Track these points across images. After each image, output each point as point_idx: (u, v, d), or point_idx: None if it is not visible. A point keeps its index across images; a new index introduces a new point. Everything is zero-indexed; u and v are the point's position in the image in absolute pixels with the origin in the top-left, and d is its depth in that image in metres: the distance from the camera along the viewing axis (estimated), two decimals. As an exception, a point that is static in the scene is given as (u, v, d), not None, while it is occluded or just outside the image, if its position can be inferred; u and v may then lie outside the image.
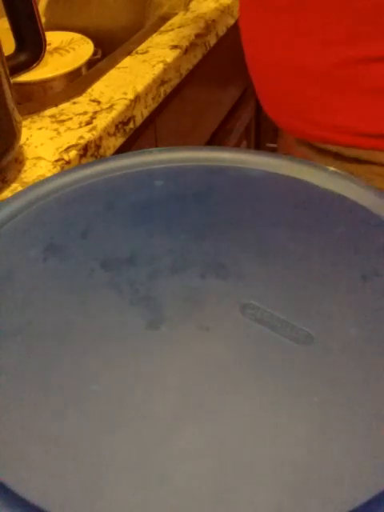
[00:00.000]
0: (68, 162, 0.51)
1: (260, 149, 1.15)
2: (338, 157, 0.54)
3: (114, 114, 0.58)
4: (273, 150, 1.14)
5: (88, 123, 0.57)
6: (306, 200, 0.36)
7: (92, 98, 0.62)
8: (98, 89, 0.63)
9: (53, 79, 0.75)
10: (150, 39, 0.75)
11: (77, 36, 0.83)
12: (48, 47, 0.62)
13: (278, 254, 0.32)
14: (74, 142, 0.53)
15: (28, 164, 0.51)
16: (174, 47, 0.72)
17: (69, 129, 0.56)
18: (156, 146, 0.72)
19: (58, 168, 0.50)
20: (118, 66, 0.68)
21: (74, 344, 0.27)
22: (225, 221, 0.35)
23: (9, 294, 0.30)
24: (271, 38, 0.51)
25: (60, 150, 0.52)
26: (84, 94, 0.62)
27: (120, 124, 0.60)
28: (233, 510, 0.21)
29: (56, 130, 0.56)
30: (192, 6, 0.84)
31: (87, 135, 0.55)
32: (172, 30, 0.77)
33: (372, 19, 0.44)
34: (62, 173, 0.39)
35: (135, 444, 0.23)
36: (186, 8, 0.83)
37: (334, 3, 0.45)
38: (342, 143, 0.52)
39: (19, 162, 0.51)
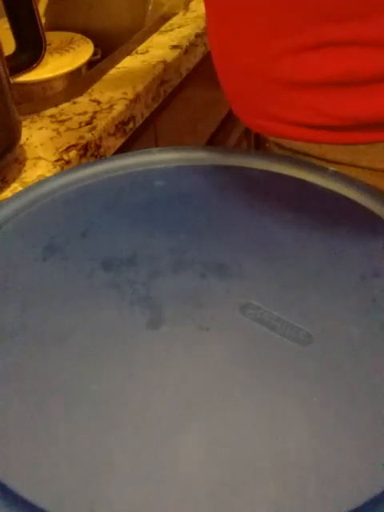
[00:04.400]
0: (68, 162, 0.51)
1: (260, 149, 1.15)
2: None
3: (114, 113, 0.58)
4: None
5: (88, 123, 0.57)
6: (306, 200, 0.36)
7: (92, 98, 0.61)
8: (98, 89, 0.63)
9: (53, 79, 0.75)
10: (149, 39, 0.74)
11: (77, 36, 0.83)
12: (48, 47, 0.62)
13: (278, 254, 0.32)
14: (74, 142, 0.53)
15: (28, 164, 0.50)
16: (174, 47, 0.72)
17: (69, 129, 0.56)
18: (156, 146, 0.72)
19: (58, 168, 0.50)
20: (117, 66, 0.68)
21: (74, 344, 0.27)
22: (225, 221, 0.35)
23: (9, 294, 0.30)
24: (229, 37, 0.51)
25: (60, 149, 0.52)
26: (84, 94, 0.62)
27: (120, 124, 0.59)
28: (233, 509, 0.21)
29: (56, 129, 0.56)
30: (192, 5, 0.83)
31: (87, 135, 0.54)
32: (172, 30, 0.77)
33: (291, 9, 0.44)
34: (62, 173, 0.39)
35: (135, 444, 0.23)
36: (186, 8, 0.83)
37: None
38: (310, 139, 0.51)
39: (19, 162, 0.51)
